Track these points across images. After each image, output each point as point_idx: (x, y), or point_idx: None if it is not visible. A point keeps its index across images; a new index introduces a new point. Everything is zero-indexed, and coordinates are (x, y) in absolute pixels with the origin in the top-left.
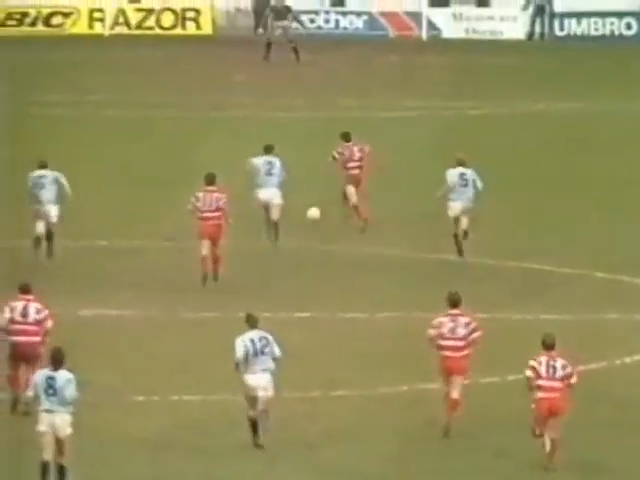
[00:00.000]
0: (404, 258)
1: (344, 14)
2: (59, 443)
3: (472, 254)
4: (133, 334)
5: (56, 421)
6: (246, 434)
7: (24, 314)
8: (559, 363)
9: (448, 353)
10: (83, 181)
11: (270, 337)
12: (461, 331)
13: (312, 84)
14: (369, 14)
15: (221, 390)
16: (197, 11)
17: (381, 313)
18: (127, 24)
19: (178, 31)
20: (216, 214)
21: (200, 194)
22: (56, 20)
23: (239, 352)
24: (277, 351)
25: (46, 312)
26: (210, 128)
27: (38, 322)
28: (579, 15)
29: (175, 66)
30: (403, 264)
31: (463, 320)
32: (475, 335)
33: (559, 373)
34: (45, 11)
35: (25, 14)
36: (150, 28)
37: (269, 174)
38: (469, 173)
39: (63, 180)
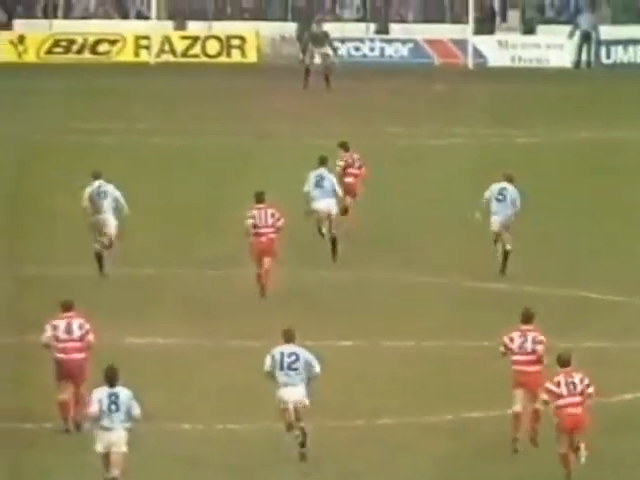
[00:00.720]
0: (449, 285)
1: (389, 42)
2: (114, 459)
3: (516, 281)
4: (179, 361)
5: (112, 438)
6: (292, 467)
7: (68, 331)
8: (577, 378)
9: (520, 367)
10: (128, 208)
11: (302, 354)
12: (529, 346)
13: (357, 112)
14: (414, 42)
15: (267, 418)
16: (242, 39)
17: (426, 341)
18: (173, 52)
19: (223, 59)
20: (270, 229)
21: (255, 212)
22: (102, 48)
23: (266, 365)
24: (315, 368)
25: (88, 326)
26: (255, 155)
27: (82, 337)
28: (625, 42)
29: (220, 94)
30: (448, 291)
31: (531, 335)
32: (540, 348)
33: (579, 388)
34: (92, 39)
35: (72, 41)
36: (195, 56)
37: (320, 186)
38: (510, 189)
39: (118, 194)
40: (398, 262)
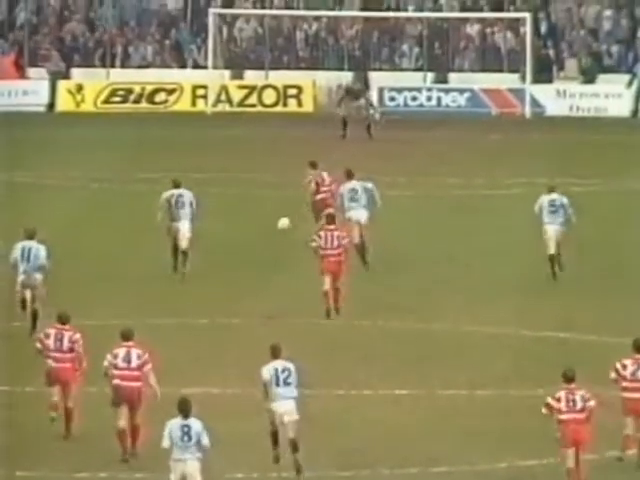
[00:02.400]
0: (508, 335)
1: (446, 91)
2: None
3: (577, 330)
4: (235, 411)
5: (187, 470)
6: None
7: (127, 360)
8: (578, 395)
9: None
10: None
11: (293, 367)
12: (579, 403)
13: (414, 162)
14: (471, 91)
15: (324, 465)
16: (299, 88)
17: (480, 390)
18: (229, 101)
19: (280, 108)
20: (337, 251)
21: (322, 233)
22: (159, 97)
23: (264, 378)
24: (304, 376)
25: (146, 356)
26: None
27: (140, 367)
28: None
29: (277, 143)
30: (507, 341)
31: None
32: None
33: (579, 404)
34: (149, 88)
35: (129, 91)
36: (252, 105)
37: (354, 200)
38: (559, 199)
39: (194, 200)
40: (458, 312)
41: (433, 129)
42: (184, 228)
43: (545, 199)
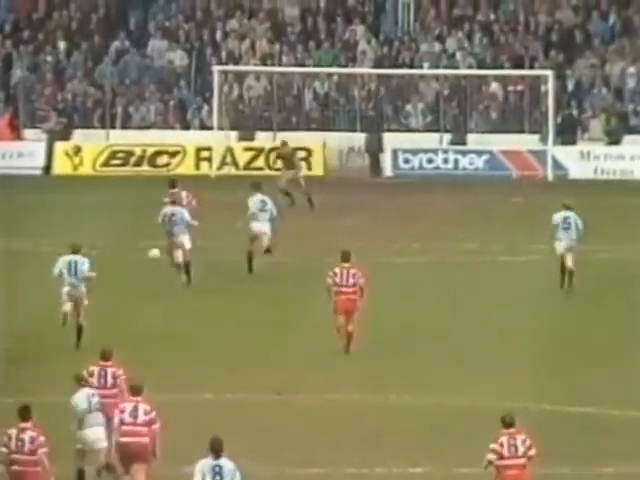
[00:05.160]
0: (528, 410)
1: (464, 153)
2: None
3: (600, 405)
4: None
5: None
6: None
7: (134, 415)
8: (519, 440)
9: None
10: (186, 330)
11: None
12: (520, 448)
13: (430, 227)
14: (490, 153)
15: None
16: (308, 150)
17: None
18: (235, 164)
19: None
20: (352, 289)
21: (337, 270)
22: (161, 160)
23: (78, 406)
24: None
25: (153, 414)
26: (321, 274)
27: (147, 423)
28: None
29: (285, 209)
30: (527, 416)
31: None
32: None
33: (520, 450)
34: (151, 150)
35: (130, 153)
36: (259, 168)
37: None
38: (573, 217)
39: (187, 215)
40: (474, 385)
41: (449, 193)
42: (183, 240)
43: (559, 216)
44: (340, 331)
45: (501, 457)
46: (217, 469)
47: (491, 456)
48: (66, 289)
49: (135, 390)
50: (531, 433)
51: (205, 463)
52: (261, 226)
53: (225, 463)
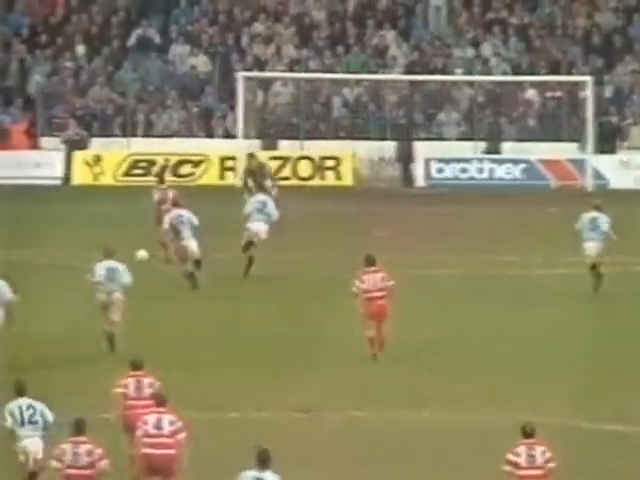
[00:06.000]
0: (565, 427)
1: (500, 162)
2: None
3: (632, 422)
4: None
5: None
6: None
7: (159, 426)
8: (538, 450)
9: None
10: (207, 348)
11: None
12: (539, 458)
13: (464, 239)
14: (528, 162)
15: None
16: (337, 160)
17: None
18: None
19: (316, 181)
20: (381, 293)
21: (364, 276)
22: (184, 169)
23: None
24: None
25: (179, 424)
26: (342, 292)
27: (173, 434)
28: None
29: (313, 220)
30: (563, 433)
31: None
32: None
33: (539, 460)
34: (173, 159)
35: (152, 162)
36: (286, 178)
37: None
38: (600, 218)
39: (194, 218)
40: (509, 400)
41: (485, 203)
42: (191, 244)
43: (587, 216)
44: (371, 342)
45: (518, 467)
46: None
47: (507, 468)
48: (102, 295)
49: (159, 400)
50: (567, 450)
51: (248, 475)
52: (257, 227)
53: (270, 477)
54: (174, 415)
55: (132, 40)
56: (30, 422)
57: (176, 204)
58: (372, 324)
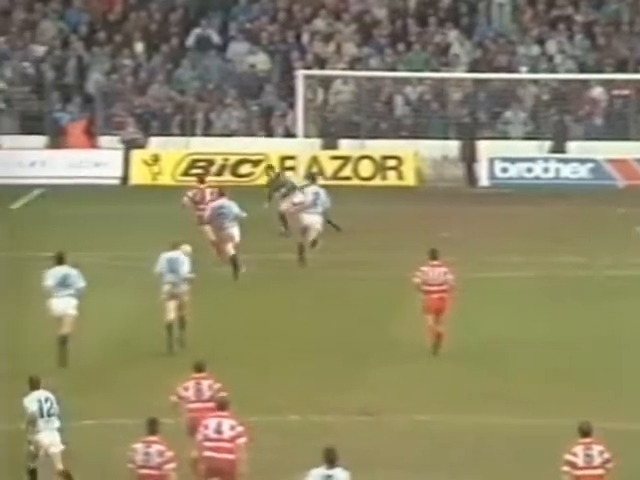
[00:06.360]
0: (634, 432)
1: (566, 162)
2: None
3: None
4: None
5: None
6: None
7: (219, 431)
8: (596, 450)
9: None
10: (267, 349)
11: (53, 397)
12: (597, 458)
13: (529, 240)
14: (594, 162)
15: None
16: (399, 159)
17: None
18: (321, 173)
19: (377, 181)
20: (442, 287)
21: (425, 268)
22: (244, 169)
23: (30, 410)
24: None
25: (240, 429)
26: (406, 293)
27: (233, 438)
28: None
29: (374, 221)
30: (634, 439)
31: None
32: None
33: (597, 460)
34: (233, 158)
35: (211, 162)
36: (346, 178)
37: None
38: None
39: (236, 208)
40: (573, 406)
41: (551, 203)
42: (233, 232)
43: None
44: (429, 331)
45: (575, 467)
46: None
47: (565, 468)
48: (167, 287)
49: (221, 405)
50: (632, 456)
51: (317, 473)
52: (312, 218)
53: (339, 473)
54: (235, 420)
55: (191, 38)
56: (49, 414)
57: (222, 194)
58: (431, 318)
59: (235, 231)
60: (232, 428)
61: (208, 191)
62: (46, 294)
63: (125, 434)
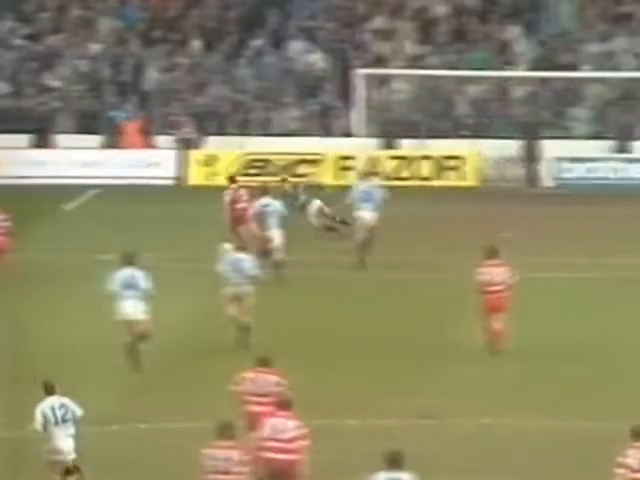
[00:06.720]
0: None
1: (630, 161)
2: None
3: None
4: None
5: None
6: None
7: (281, 431)
8: None
9: None
10: (326, 351)
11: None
12: None
13: (594, 241)
14: None
15: None
16: (460, 159)
17: None
18: (380, 173)
19: (438, 182)
20: (502, 287)
21: (485, 268)
22: (301, 169)
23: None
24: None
25: (302, 430)
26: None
27: (294, 439)
28: None
29: (434, 222)
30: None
31: None
32: None
33: None
34: (290, 159)
35: (267, 161)
36: (405, 178)
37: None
38: None
39: (282, 208)
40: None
41: (615, 204)
42: (275, 234)
43: None
44: (487, 331)
45: (630, 469)
46: None
47: (620, 470)
48: (230, 288)
49: (285, 405)
50: None
51: (382, 477)
52: (367, 215)
53: (405, 477)
54: (297, 421)
55: (250, 36)
56: (64, 420)
57: (265, 192)
58: (491, 317)
59: (277, 232)
60: (294, 429)
61: (243, 191)
62: (112, 296)
63: (184, 437)
